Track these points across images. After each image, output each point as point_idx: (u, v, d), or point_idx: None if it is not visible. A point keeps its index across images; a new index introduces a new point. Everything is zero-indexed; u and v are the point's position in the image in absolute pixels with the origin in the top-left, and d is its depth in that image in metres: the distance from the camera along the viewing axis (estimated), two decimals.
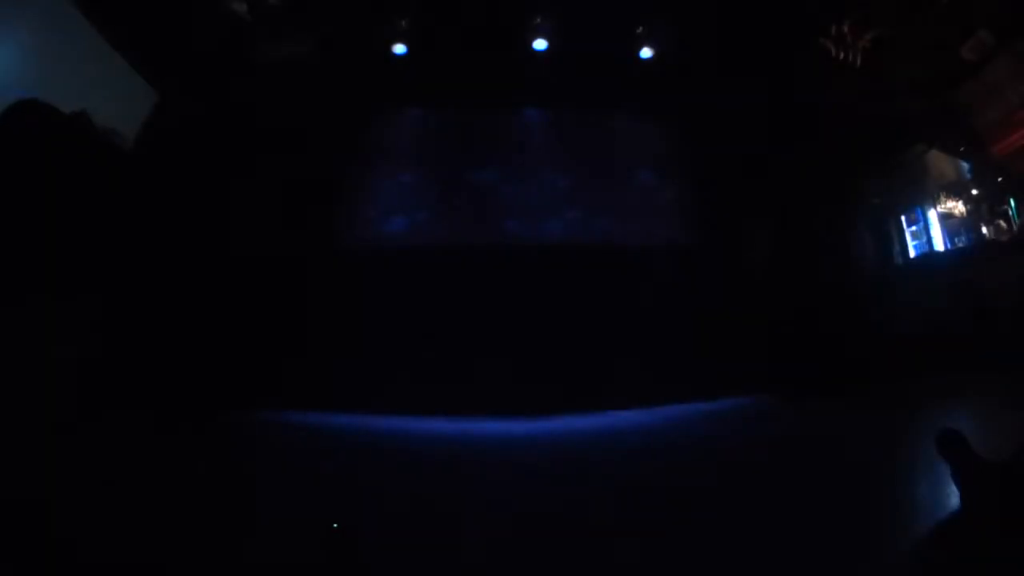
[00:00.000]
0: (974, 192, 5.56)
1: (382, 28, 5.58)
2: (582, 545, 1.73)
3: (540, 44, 5.70)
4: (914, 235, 5.94)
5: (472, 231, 5.73)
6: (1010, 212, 5.14)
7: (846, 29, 5.00)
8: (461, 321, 5.06)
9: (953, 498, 2.01)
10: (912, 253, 5.94)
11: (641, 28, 5.75)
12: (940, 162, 5.89)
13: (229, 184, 5.11)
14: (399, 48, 5.63)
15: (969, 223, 5.53)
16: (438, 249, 5.63)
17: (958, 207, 5.64)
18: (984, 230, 5.39)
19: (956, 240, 5.60)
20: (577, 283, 5.43)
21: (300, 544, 1.66)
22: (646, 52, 5.81)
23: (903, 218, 6.02)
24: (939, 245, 5.69)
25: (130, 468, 2.40)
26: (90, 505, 1.85)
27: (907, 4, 4.87)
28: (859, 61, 5.00)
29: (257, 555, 1.63)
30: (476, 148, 6.01)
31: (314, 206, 5.51)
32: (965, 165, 5.70)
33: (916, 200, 5.93)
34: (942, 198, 5.73)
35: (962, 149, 5.55)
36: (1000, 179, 5.26)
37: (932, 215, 5.77)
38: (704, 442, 3.70)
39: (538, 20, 5.63)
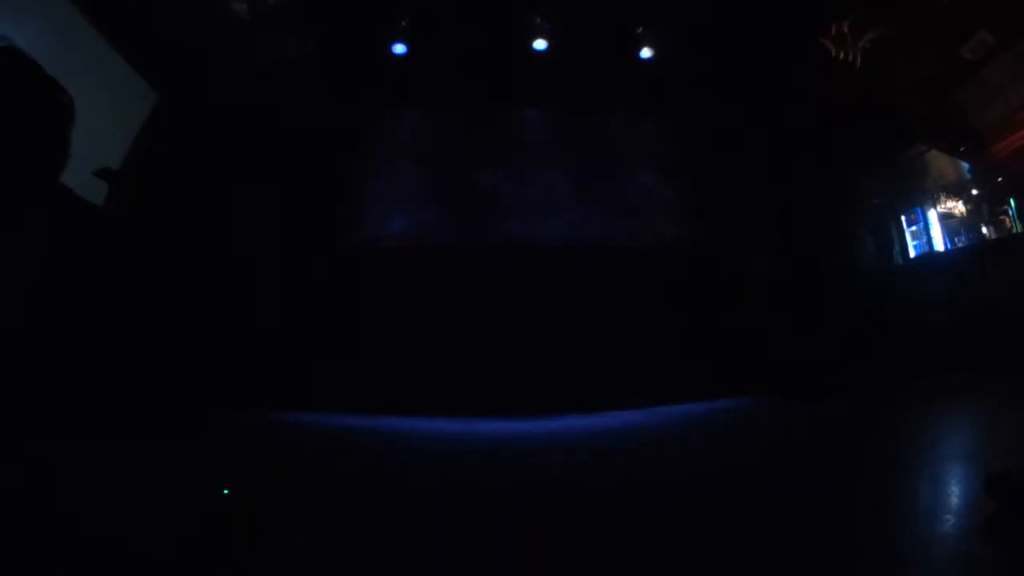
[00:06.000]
0: (974, 192, 5.56)
1: (382, 28, 5.58)
2: (581, 545, 1.73)
3: (540, 44, 5.70)
4: (914, 235, 5.94)
5: (472, 231, 5.73)
6: (1010, 212, 5.14)
7: (846, 29, 4.99)
8: (461, 320, 5.05)
9: (954, 499, 2.01)
10: (912, 253, 5.94)
11: (641, 28, 5.75)
12: (940, 162, 5.89)
13: (229, 184, 5.11)
14: (399, 48, 5.63)
15: (969, 223, 5.53)
16: (439, 249, 5.63)
17: (958, 207, 5.64)
18: (984, 230, 5.39)
19: (956, 240, 5.60)
20: (577, 283, 5.43)
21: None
22: (646, 52, 5.82)
23: (903, 218, 6.02)
24: (939, 245, 5.69)
25: (128, 467, 2.40)
26: (88, 503, 1.85)
27: (907, 4, 4.87)
28: (859, 61, 5.00)
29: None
30: (476, 148, 6.01)
31: (314, 206, 5.52)
32: (965, 165, 5.70)
33: (916, 200, 5.93)
34: (942, 198, 5.73)
35: (962, 149, 5.54)
36: (1000, 179, 5.26)
37: (932, 215, 5.77)
38: (703, 442, 3.70)
39: (538, 20, 5.63)
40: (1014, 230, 5.10)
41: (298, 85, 5.38)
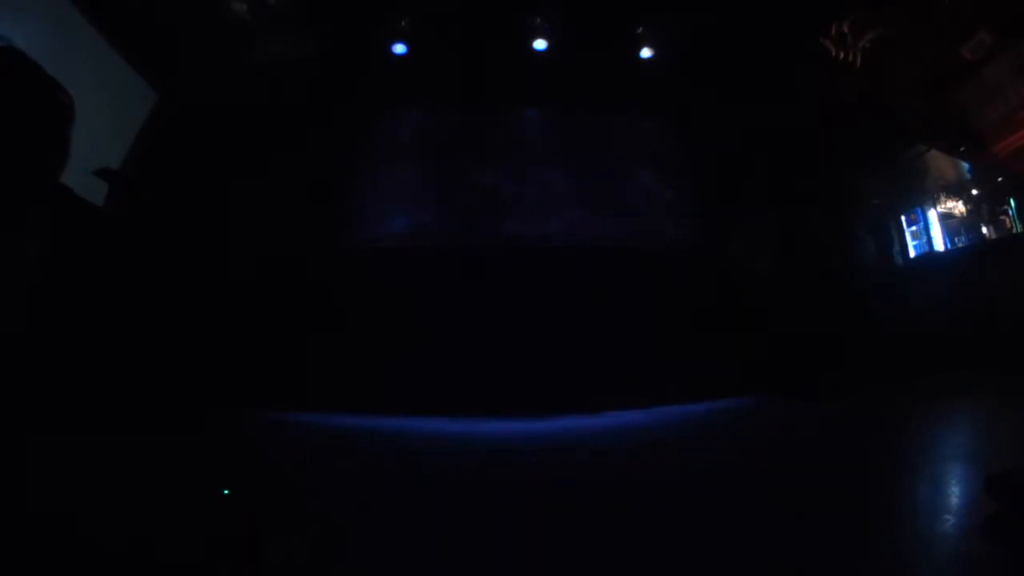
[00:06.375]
0: (974, 192, 5.56)
1: (382, 28, 5.58)
2: (582, 545, 1.73)
3: (540, 44, 5.70)
4: (914, 235, 5.94)
5: (472, 231, 5.73)
6: (1010, 212, 5.14)
7: (846, 29, 4.99)
8: (461, 320, 5.05)
9: (954, 499, 2.02)
10: (912, 253, 5.94)
11: (641, 28, 5.75)
12: (940, 162, 5.90)
13: (229, 184, 5.11)
14: (399, 48, 5.63)
15: (969, 223, 5.54)
16: (439, 249, 5.63)
17: (958, 207, 5.64)
18: (984, 230, 5.39)
19: (956, 240, 5.60)
20: (577, 283, 5.43)
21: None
22: (646, 52, 5.82)
23: (903, 218, 6.02)
24: (939, 245, 5.69)
25: (129, 467, 2.40)
26: (88, 503, 1.86)
27: (907, 4, 4.87)
28: (859, 61, 5.00)
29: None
30: (476, 148, 6.01)
31: (314, 206, 5.52)
32: (965, 165, 5.70)
33: (916, 200, 5.93)
34: (942, 198, 5.73)
35: (962, 149, 5.55)
36: (1000, 179, 5.26)
37: (932, 215, 5.77)
38: (703, 442, 3.70)
39: (538, 20, 5.63)
40: (1014, 230, 5.10)
41: (298, 85, 5.38)
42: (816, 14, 5.08)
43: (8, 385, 2.02)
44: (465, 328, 5.00)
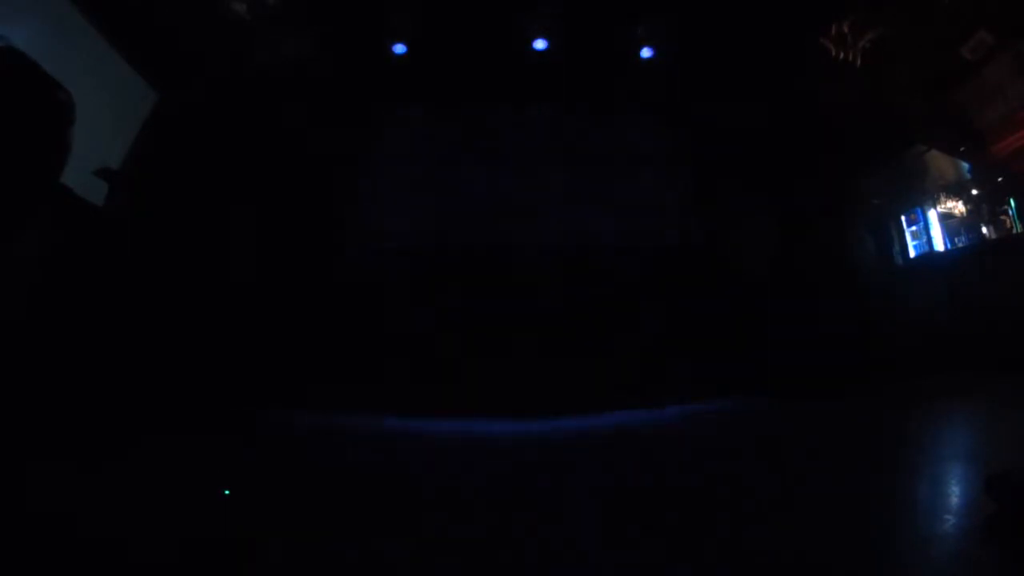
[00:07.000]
0: (974, 192, 5.56)
1: (382, 28, 5.58)
2: (580, 545, 1.73)
3: (540, 44, 5.70)
4: (914, 235, 5.93)
5: (472, 231, 5.73)
6: (1010, 212, 5.13)
7: (846, 29, 4.99)
8: (461, 320, 5.06)
9: (954, 499, 2.02)
10: (912, 253, 5.94)
11: (641, 28, 5.75)
12: (940, 162, 5.89)
13: (229, 184, 5.11)
14: (399, 48, 5.63)
15: (969, 223, 5.53)
16: (439, 249, 5.63)
17: (958, 207, 5.63)
18: (984, 230, 5.39)
19: (956, 240, 5.60)
20: (577, 283, 5.43)
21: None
22: (646, 52, 5.82)
23: (903, 218, 6.02)
24: (939, 245, 5.69)
25: (129, 467, 2.40)
26: (88, 503, 1.86)
27: (907, 4, 4.87)
28: (859, 61, 5.00)
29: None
30: (476, 148, 6.02)
31: (314, 206, 5.52)
32: (965, 165, 5.70)
33: (916, 200, 5.93)
34: (942, 198, 5.73)
35: (962, 149, 5.54)
36: (1000, 179, 5.26)
37: (932, 215, 5.76)
38: (702, 442, 3.70)
39: (538, 20, 5.63)
40: (1014, 230, 5.09)
41: (297, 85, 5.38)
42: (816, 14, 5.08)
43: (8, 385, 2.02)
44: (465, 328, 5.00)
